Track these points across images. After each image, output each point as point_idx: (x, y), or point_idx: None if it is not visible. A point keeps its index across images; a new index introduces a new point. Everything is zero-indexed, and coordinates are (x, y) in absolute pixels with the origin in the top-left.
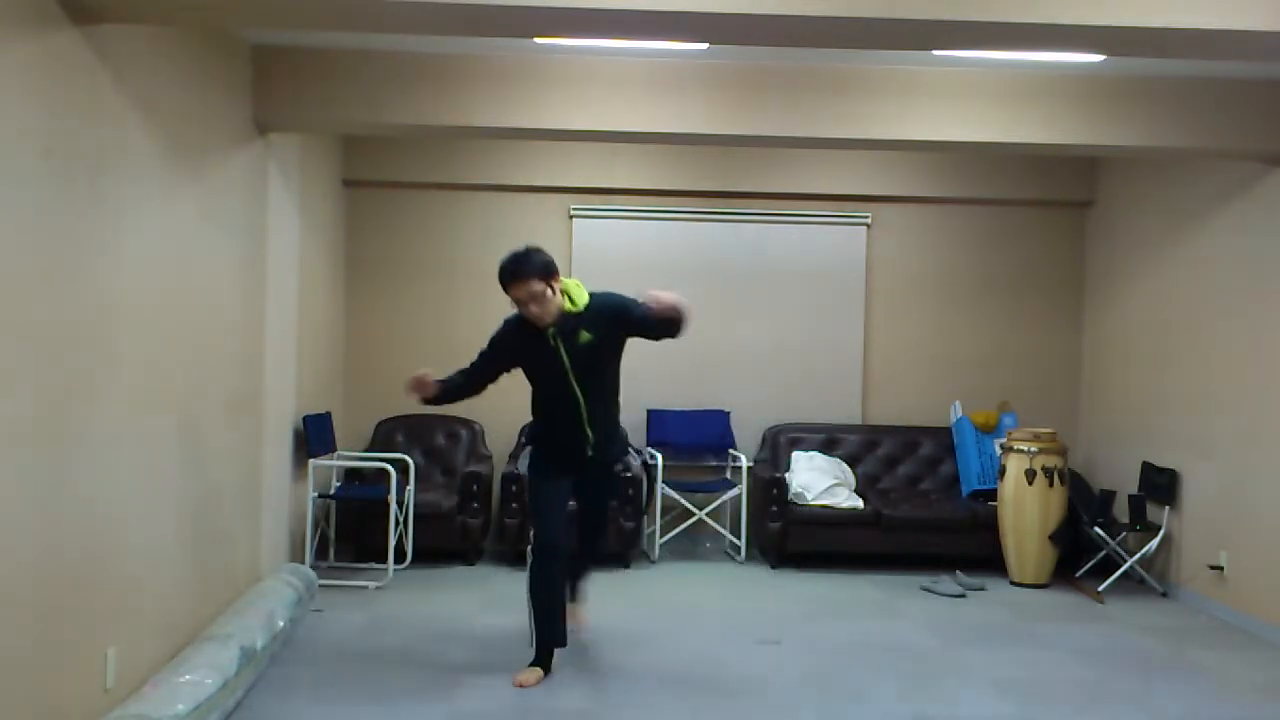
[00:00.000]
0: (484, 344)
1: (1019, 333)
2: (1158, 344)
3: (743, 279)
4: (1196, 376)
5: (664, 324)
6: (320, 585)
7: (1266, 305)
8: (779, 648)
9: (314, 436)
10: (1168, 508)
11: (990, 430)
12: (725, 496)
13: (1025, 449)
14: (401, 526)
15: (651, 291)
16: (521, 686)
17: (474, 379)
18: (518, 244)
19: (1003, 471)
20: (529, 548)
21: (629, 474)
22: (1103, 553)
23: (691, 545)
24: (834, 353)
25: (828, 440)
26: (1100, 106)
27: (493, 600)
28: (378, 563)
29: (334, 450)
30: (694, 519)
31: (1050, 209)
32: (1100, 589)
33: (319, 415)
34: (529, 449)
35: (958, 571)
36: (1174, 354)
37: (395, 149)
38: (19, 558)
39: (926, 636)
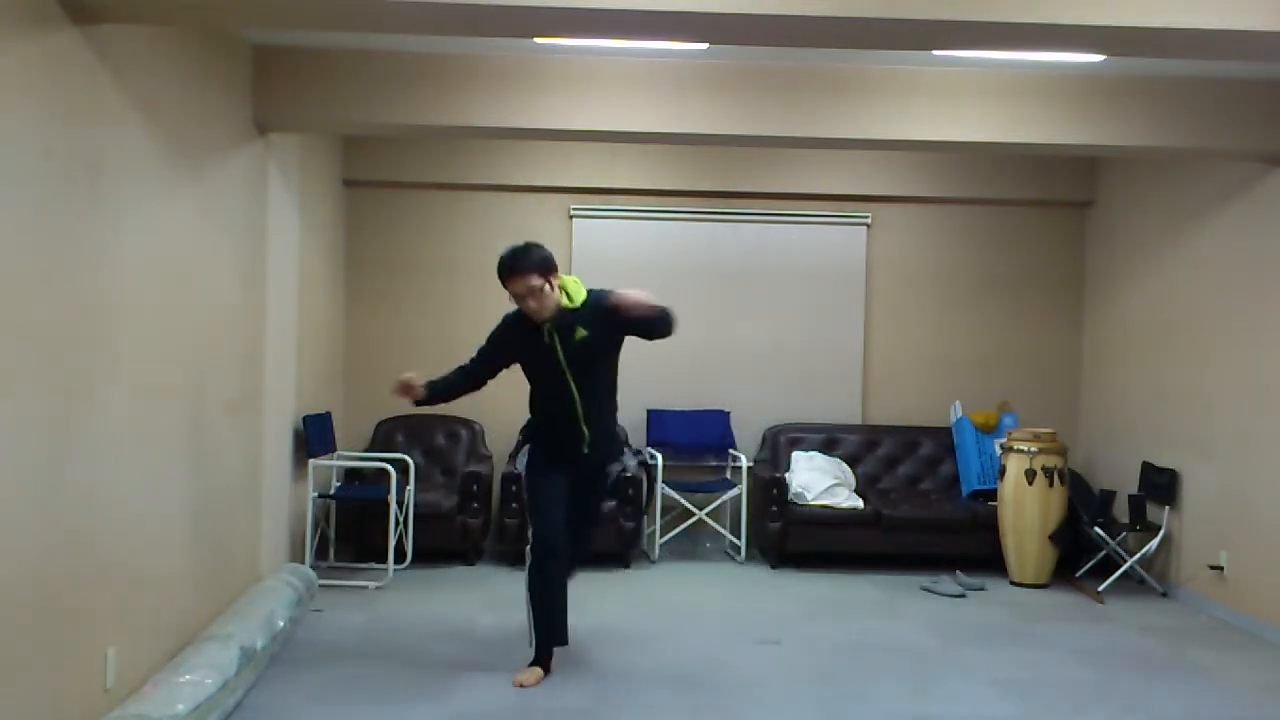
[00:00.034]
0: (484, 342)
1: (1019, 333)
2: (1158, 344)
3: (743, 279)
4: (1196, 376)
5: (646, 323)
6: (320, 585)
7: (1266, 305)
8: (779, 648)
9: (314, 436)
10: (1168, 508)
11: (990, 430)
12: (725, 496)
13: (1025, 449)
14: (401, 526)
15: (619, 291)
16: (522, 686)
17: (472, 375)
18: (510, 246)
19: (1003, 471)
20: (528, 547)
21: (628, 474)
22: (1103, 553)
23: (691, 545)
24: (834, 353)
25: (828, 440)
26: (1100, 106)
27: (493, 600)
28: (378, 563)
29: (334, 450)
30: (694, 519)
31: (1050, 209)
32: (1100, 589)
33: (319, 415)
34: (527, 448)
35: (958, 571)
36: (1174, 354)
37: (395, 149)
38: (19, 558)
39: (926, 636)
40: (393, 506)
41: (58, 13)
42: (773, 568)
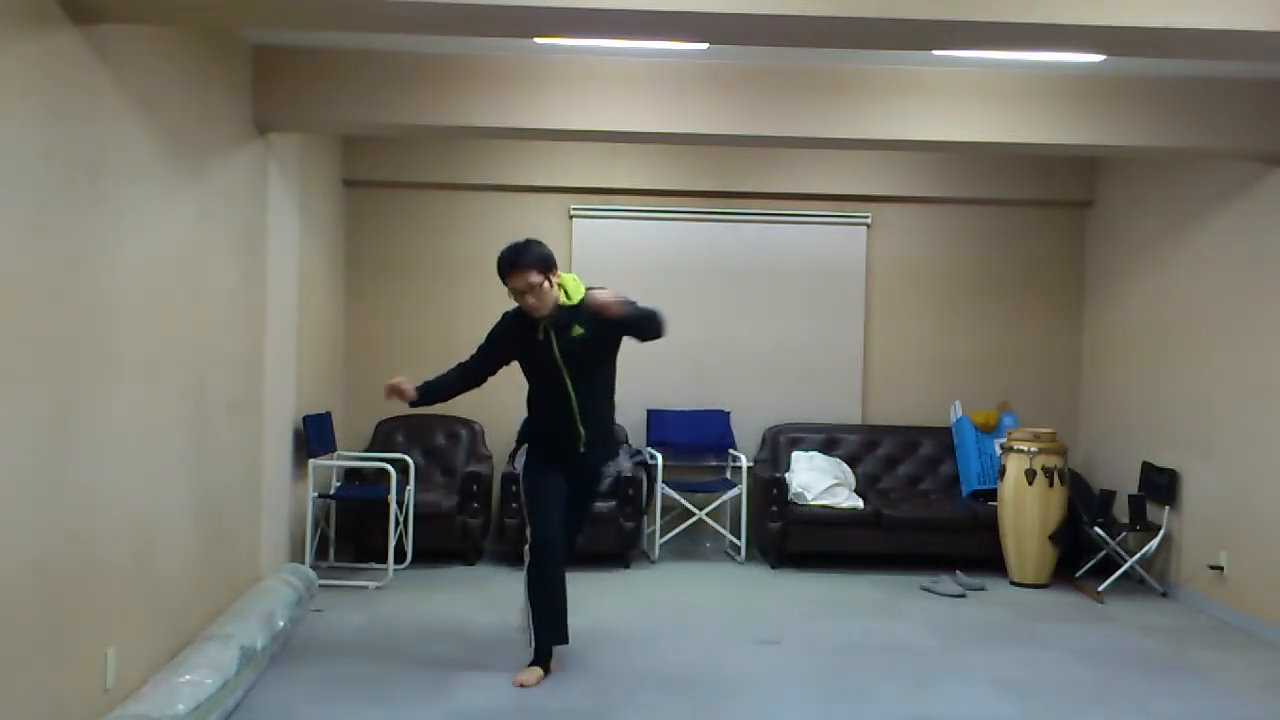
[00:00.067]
0: (483, 339)
1: (1019, 333)
2: (1158, 344)
3: (743, 279)
4: (1196, 376)
5: (629, 324)
6: (320, 585)
7: (1266, 305)
8: (779, 648)
9: (314, 436)
10: (1168, 508)
11: (990, 430)
12: (725, 496)
13: (1025, 449)
14: (401, 526)
15: (593, 292)
16: (522, 686)
17: (472, 373)
18: (511, 242)
19: (1003, 471)
20: (526, 547)
21: (627, 474)
22: (1103, 553)
23: (691, 545)
24: (834, 353)
25: (828, 440)
26: (1100, 106)
27: (493, 600)
28: (378, 563)
29: (334, 450)
30: (694, 519)
31: (1050, 209)
32: (1100, 589)
33: (319, 415)
34: (525, 447)
35: (958, 571)
36: (1174, 354)
37: (395, 149)
38: (19, 558)
39: (926, 636)
40: (393, 506)
41: (58, 13)
42: (773, 568)
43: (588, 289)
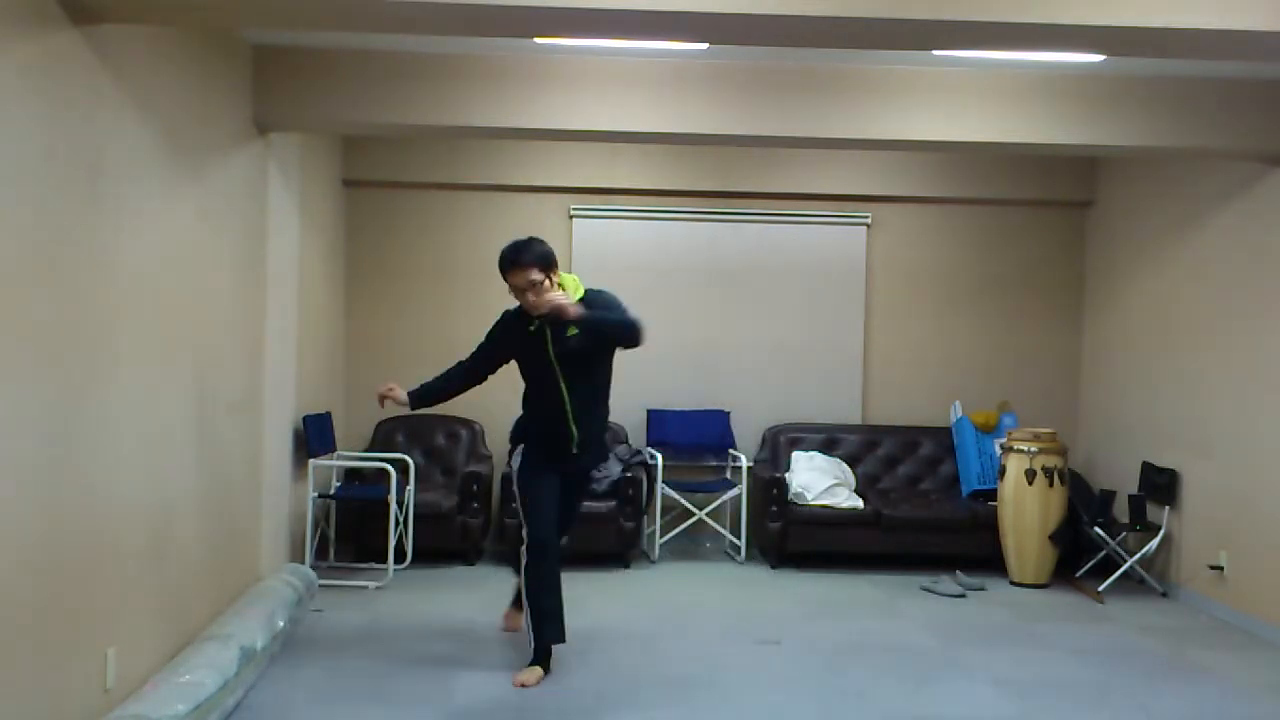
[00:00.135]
0: (483, 338)
1: (1019, 333)
2: (1158, 344)
3: (743, 279)
4: (1196, 376)
5: (594, 329)
6: (320, 585)
7: (1266, 305)
8: (779, 648)
9: (314, 436)
10: (1168, 508)
11: (990, 430)
12: (725, 496)
13: (1025, 449)
14: (401, 526)
15: (547, 296)
16: (522, 686)
17: (471, 372)
18: (513, 240)
19: (1003, 471)
20: (523, 547)
21: (627, 474)
22: (1103, 553)
23: (691, 545)
24: (834, 353)
25: (828, 440)
26: (1100, 106)
27: (493, 600)
28: (378, 563)
29: (334, 450)
30: (694, 519)
31: (1050, 209)
32: (1100, 589)
33: (319, 415)
34: (520, 448)
35: (958, 571)
36: (1174, 354)
37: (395, 149)
38: (19, 558)
39: (926, 636)
40: (393, 506)
41: (58, 13)
42: (773, 568)
43: (587, 290)
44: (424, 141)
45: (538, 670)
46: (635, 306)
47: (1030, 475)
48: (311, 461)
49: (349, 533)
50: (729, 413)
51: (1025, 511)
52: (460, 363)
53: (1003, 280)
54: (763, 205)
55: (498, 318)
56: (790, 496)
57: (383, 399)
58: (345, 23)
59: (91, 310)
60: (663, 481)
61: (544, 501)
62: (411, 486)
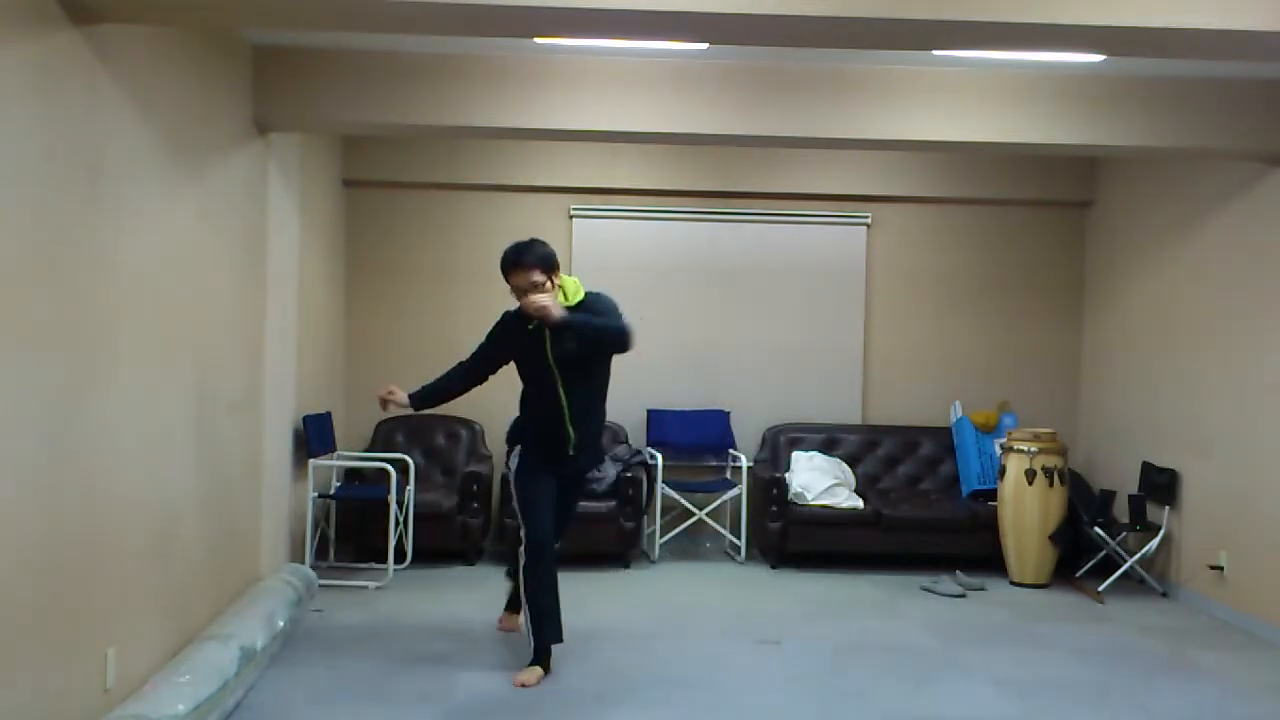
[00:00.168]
0: (483, 339)
1: (1019, 333)
2: (1158, 344)
3: (743, 279)
4: (1196, 376)
5: (577, 333)
6: (320, 585)
7: (1266, 305)
8: (779, 648)
9: (314, 436)
10: (1168, 508)
11: (990, 430)
12: (725, 496)
13: (1025, 449)
14: (401, 526)
15: (529, 298)
16: (523, 686)
17: (472, 372)
18: (515, 241)
19: (1003, 471)
20: (520, 548)
21: (629, 474)
22: (1103, 553)
23: (691, 545)
24: (834, 353)
25: (828, 440)
26: (1100, 106)
27: (493, 600)
28: (378, 563)
29: (334, 450)
30: (694, 519)
31: (1050, 209)
32: (1100, 589)
33: (319, 415)
34: (518, 449)
35: (958, 571)
36: (1174, 354)
37: (395, 149)
38: (19, 558)
39: (926, 636)
40: (393, 506)
41: (58, 13)
42: (773, 568)
43: (587, 293)
44: (424, 141)
45: (538, 670)
46: (635, 306)
47: (1030, 475)
48: (311, 461)
49: (349, 533)
50: (729, 413)
51: (1025, 511)
52: (461, 363)
53: (1003, 280)
54: (763, 205)
55: (498, 319)
56: (790, 496)
57: (384, 402)
58: (345, 23)
59: (91, 310)
60: (663, 481)
61: (541, 502)
62: (411, 486)
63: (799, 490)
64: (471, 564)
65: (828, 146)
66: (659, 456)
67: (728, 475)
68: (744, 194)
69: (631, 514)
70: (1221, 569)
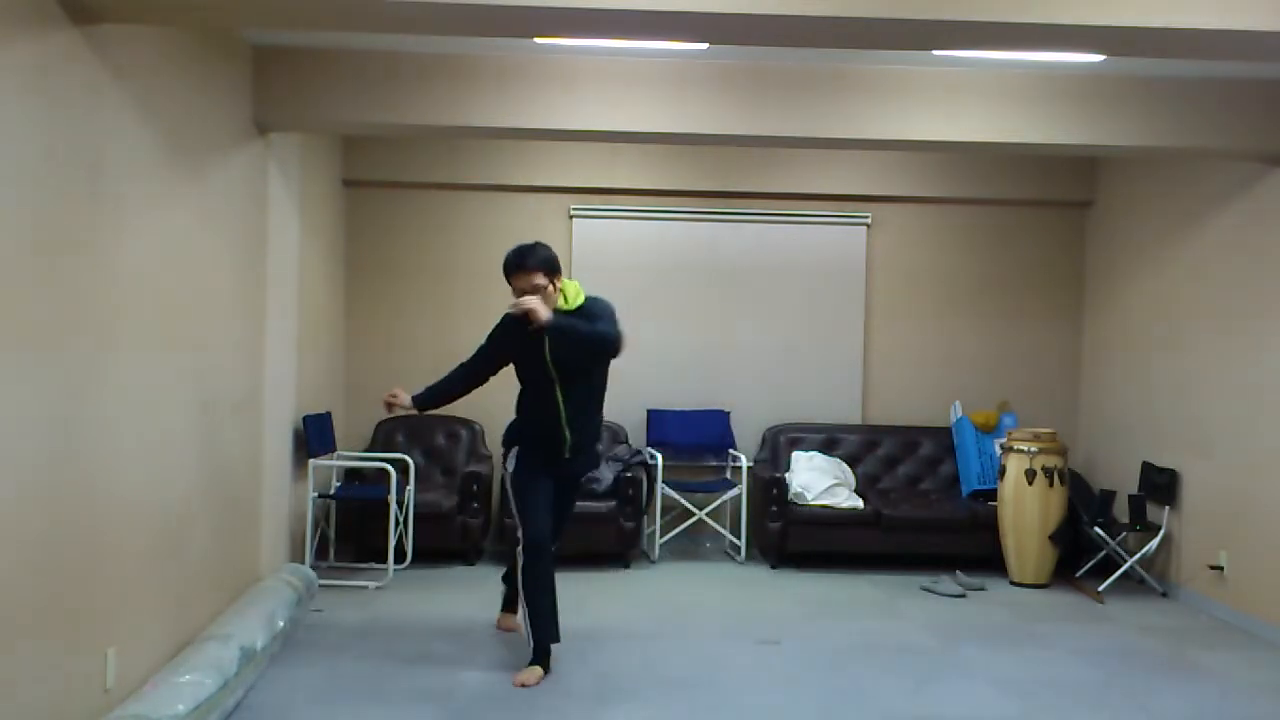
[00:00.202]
0: (484, 340)
1: (1019, 333)
2: (1158, 344)
3: (743, 279)
4: (1196, 376)
5: (562, 336)
6: (320, 585)
7: (1266, 305)
8: (779, 648)
9: (314, 436)
10: (1168, 508)
11: (990, 430)
12: (725, 496)
13: (1025, 449)
14: (401, 526)
15: (519, 300)
16: (523, 686)
17: (473, 373)
18: (518, 244)
19: (1003, 471)
20: (518, 548)
21: (629, 474)
22: (1103, 553)
23: (691, 545)
24: (834, 353)
25: (828, 440)
26: (1100, 106)
27: (493, 600)
28: (378, 563)
29: (334, 450)
30: (694, 519)
31: (1050, 209)
32: (1100, 589)
33: (319, 415)
34: (515, 451)
35: (958, 571)
36: (1174, 354)
37: (395, 149)
38: (19, 557)
39: (926, 636)
40: (393, 506)
41: (58, 13)
42: (773, 568)
43: (587, 298)
44: (424, 141)
45: (538, 670)
46: (636, 306)
47: (1030, 475)
48: (311, 461)
49: (349, 533)
50: (729, 413)
51: (1025, 511)
52: (462, 364)
53: (1003, 280)
54: (763, 205)
55: (499, 320)
56: (790, 496)
57: (389, 405)
58: (345, 23)
59: (91, 310)
60: (663, 481)
61: (539, 503)
62: (411, 486)
63: (799, 490)
64: (471, 564)
65: (828, 146)
66: (659, 456)
67: (728, 475)
68: (744, 194)
69: (631, 514)
70: (1221, 569)
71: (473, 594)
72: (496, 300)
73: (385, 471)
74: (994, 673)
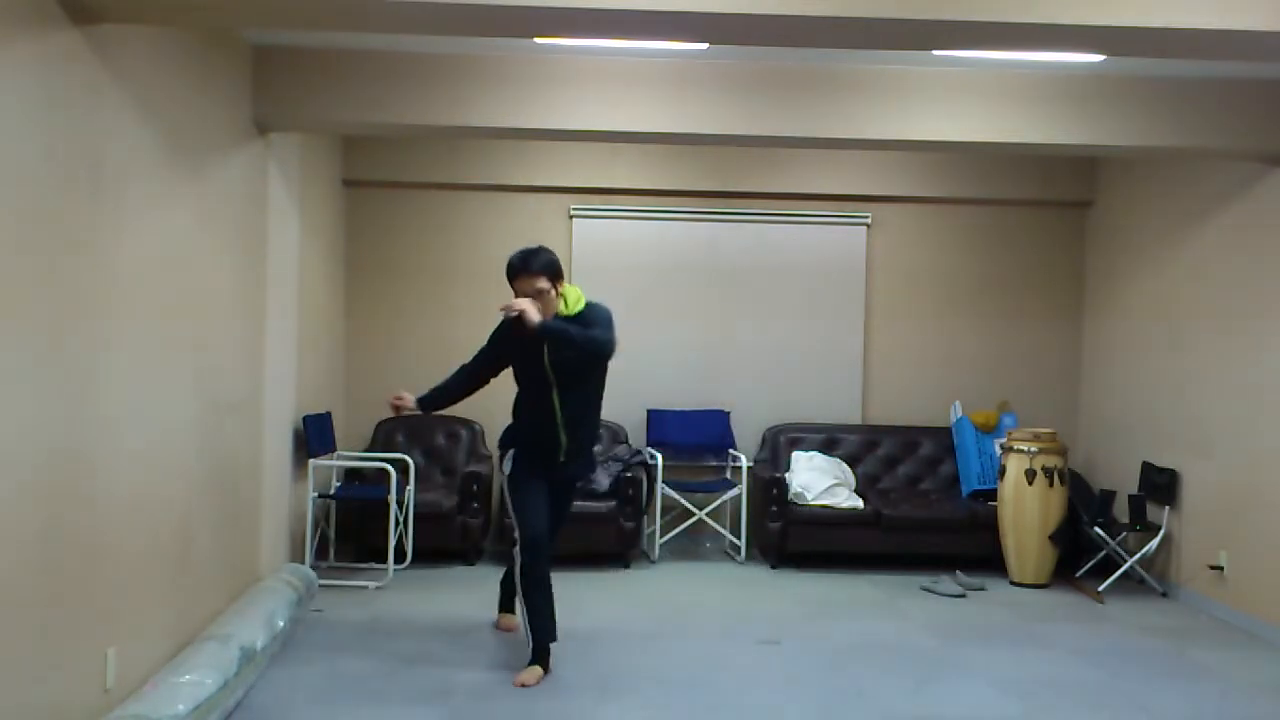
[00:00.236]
0: (484, 342)
1: (1019, 333)
2: (1157, 344)
3: (743, 279)
4: (1196, 376)
5: (551, 339)
6: (320, 585)
7: (1266, 305)
8: (779, 648)
9: (314, 436)
10: (1168, 508)
11: (990, 430)
12: (725, 496)
13: (1025, 449)
14: (401, 526)
15: (513, 301)
16: (523, 686)
17: (474, 375)
18: (518, 244)
19: (1003, 471)
20: (515, 549)
21: (629, 474)
22: (1103, 553)
23: (691, 545)
24: (834, 353)
25: (828, 440)
26: (1100, 106)
27: (493, 600)
28: (378, 563)
29: (334, 450)
30: (694, 519)
31: (1050, 209)
32: (1100, 589)
33: (319, 415)
34: (511, 453)
35: (958, 571)
36: (1174, 354)
37: (395, 149)
38: (20, 557)
39: (926, 636)
40: (393, 506)
41: (58, 13)
42: (773, 568)
43: (587, 303)
44: (424, 141)
45: (537, 670)
46: (636, 306)
47: (1030, 475)
48: (311, 461)
49: (349, 533)
50: (729, 413)
51: (1025, 511)
52: (463, 366)
53: (1003, 280)
54: (763, 205)
55: (499, 322)
56: (790, 496)
57: (396, 408)
58: (345, 23)
59: (91, 310)
60: (663, 481)
61: (536, 502)
62: (411, 486)
63: (799, 490)
64: (471, 564)
65: (828, 146)
66: (659, 456)
67: (728, 475)
68: (744, 194)
69: (631, 514)
70: (1221, 569)
71: (472, 594)
72: (496, 300)
73: (385, 471)
74: (994, 673)
